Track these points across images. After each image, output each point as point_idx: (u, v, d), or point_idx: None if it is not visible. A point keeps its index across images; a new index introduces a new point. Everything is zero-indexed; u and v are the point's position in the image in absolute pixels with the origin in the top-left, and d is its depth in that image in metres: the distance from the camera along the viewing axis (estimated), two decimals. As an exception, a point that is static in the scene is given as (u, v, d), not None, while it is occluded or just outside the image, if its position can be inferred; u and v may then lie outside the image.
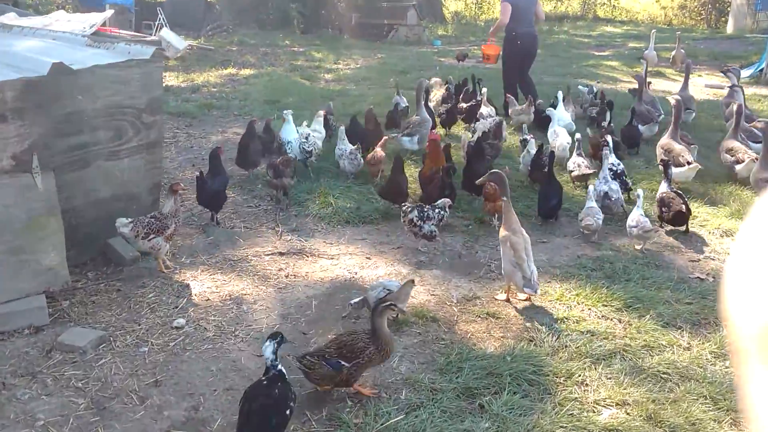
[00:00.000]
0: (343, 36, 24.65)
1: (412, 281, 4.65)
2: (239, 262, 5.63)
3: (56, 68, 4.18)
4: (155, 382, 3.96)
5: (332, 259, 5.78)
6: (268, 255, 5.81)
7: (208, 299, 5.00)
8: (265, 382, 3.41)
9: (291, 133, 7.81)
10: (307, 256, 5.81)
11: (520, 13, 9.96)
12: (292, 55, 19.20)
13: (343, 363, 3.70)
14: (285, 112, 8.23)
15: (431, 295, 5.14)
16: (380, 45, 22.43)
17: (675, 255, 6.01)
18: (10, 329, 4.44)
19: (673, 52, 15.78)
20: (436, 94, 10.82)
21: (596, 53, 19.92)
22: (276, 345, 3.47)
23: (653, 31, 17.06)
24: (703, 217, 6.81)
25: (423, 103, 8.68)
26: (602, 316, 4.84)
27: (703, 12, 32.97)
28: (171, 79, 13.91)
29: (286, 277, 5.41)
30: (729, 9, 29.93)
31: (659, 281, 5.35)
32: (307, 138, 7.65)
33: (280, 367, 3.46)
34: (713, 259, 5.95)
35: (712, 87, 14.47)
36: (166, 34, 18.19)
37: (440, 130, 9.39)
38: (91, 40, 4.74)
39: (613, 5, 35.64)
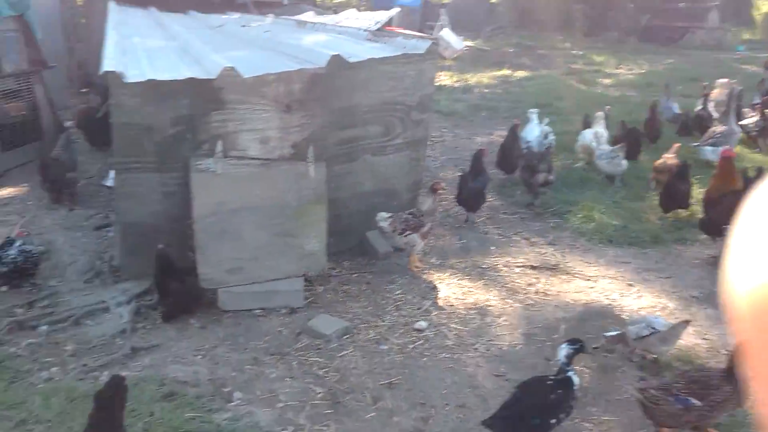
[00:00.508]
0: (629, 39, 23.09)
1: (687, 321, 3.99)
2: (488, 271, 5.42)
3: (334, 60, 4.33)
4: (389, 384, 3.92)
5: (589, 280, 5.28)
6: (519, 267, 5.50)
7: (452, 305, 4.86)
8: (549, 382, 3.35)
9: (532, 132, 7.58)
10: (561, 274, 5.38)
11: None
12: (570, 58, 18.47)
13: (693, 401, 3.25)
14: (530, 111, 8.01)
15: (702, 338, 4.40)
16: (671, 50, 20.55)
17: None
18: (270, 307, 4.76)
19: None
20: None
21: None
22: (572, 351, 3.38)
23: None
24: None
25: (733, 112, 7.83)
26: None
27: None
28: (444, 79, 14.21)
29: (536, 293, 5.06)
30: None
31: None
32: (546, 136, 7.38)
33: (571, 373, 3.35)
34: None
35: None
36: (446, 34, 18.71)
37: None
38: (372, 35, 4.88)
39: None
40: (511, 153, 7.26)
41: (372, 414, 3.64)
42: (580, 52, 19.65)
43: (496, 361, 4.16)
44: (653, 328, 3.89)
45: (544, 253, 5.78)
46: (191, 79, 4.23)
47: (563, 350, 3.38)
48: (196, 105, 4.69)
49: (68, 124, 8.08)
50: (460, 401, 3.77)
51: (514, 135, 7.38)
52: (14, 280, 4.87)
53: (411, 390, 3.87)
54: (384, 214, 5.23)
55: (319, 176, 5.05)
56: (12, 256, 4.77)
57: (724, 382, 3.26)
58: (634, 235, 6.02)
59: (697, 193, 6.43)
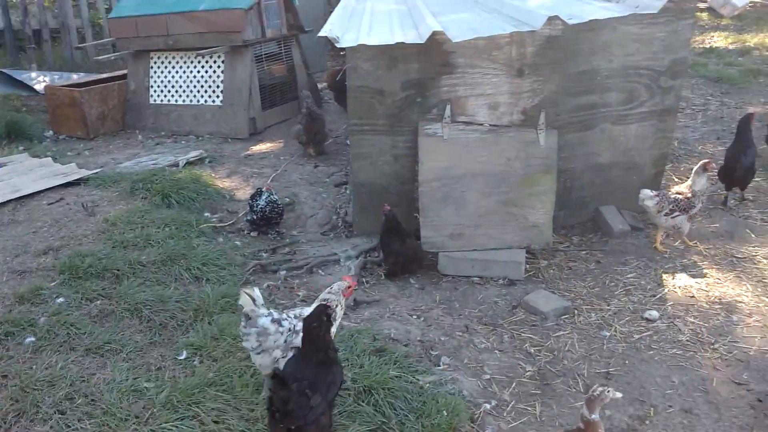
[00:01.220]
0: None
1: None
2: (743, 261, 4.70)
3: (550, 21, 3.98)
4: (606, 373, 3.60)
5: None
6: (784, 260, 4.69)
7: (693, 296, 4.30)
8: None
9: None
10: (843, 274, 4.47)
11: None
12: None
13: None
14: None
15: None
16: None
17: None
18: (488, 275, 4.66)
19: None
20: None
21: None
22: None
23: None
24: None
25: None
26: None
27: None
28: (717, 40, 12.58)
29: (802, 293, 4.27)
30: None
31: None
32: None
33: None
34: None
35: None
36: (727, -10, 16.53)
37: None
38: None
39: None
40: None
41: (582, 402, 3.37)
42: None
43: (738, 366, 3.60)
44: None
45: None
46: (421, 44, 4.21)
47: None
48: (426, 69, 4.68)
49: (321, 85, 8.69)
50: (687, 405, 3.32)
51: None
52: (262, 227, 5.40)
53: (630, 384, 3.51)
54: (649, 192, 4.77)
55: (550, 144, 4.77)
56: (261, 206, 5.28)
57: None
58: None
59: None
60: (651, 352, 3.76)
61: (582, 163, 5.12)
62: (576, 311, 4.21)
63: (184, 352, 3.72)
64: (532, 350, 3.84)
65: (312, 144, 6.92)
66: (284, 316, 3.17)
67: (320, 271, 4.88)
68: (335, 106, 8.58)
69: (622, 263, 4.79)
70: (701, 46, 12.18)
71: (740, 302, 4.21)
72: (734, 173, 5.47)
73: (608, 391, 2.66)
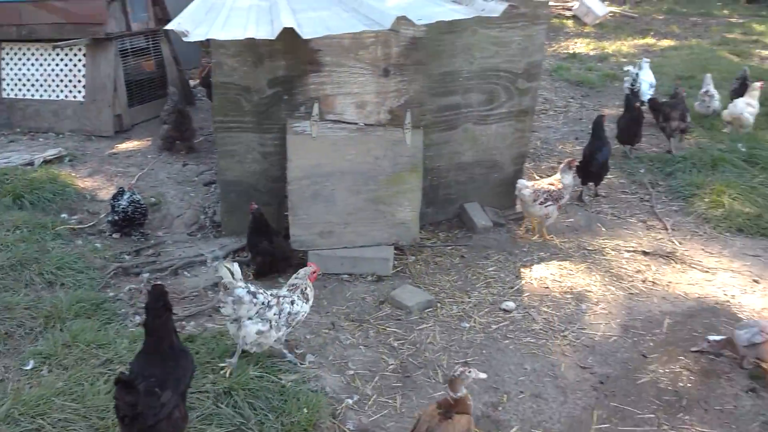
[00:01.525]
0: (801, 6, 20.64)
1: (810, 328, 3.48)
2: (594, 253, 5.03)
3: (398, 22, 4.08)
4: (464, 363, 3.73)
5: (707, 272, 4.75)
6: (629, 251, 5.06)
7: (547, 287, 4.56)
8: None
9: (646, 79, 8.10)
10: (676, 263, 4.89)
11: None
12: (726, 26, 16.79)
13: None
14: (644, 60, 8.55)
15: (836, 351, 3.81)
16: None
17: None
18: (357, 272, 4.71)
19: None
20: None
21: None
22: None
23: None
24: None
25: None
26: None
27: None
28: (580, 47, 13.41)
29: (643, 282, 4.63)
30: None
31: None
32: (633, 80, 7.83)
33: None
34: None
35: None
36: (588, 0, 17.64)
37: None
38: None
39: None
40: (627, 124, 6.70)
41: (440, 392, 3.47)
42: (740, 21, 17.84)
43: (584, 351, 3.85)
44: (768, 334, 3.41)
45: (660, 239, 5.28)
46: (290, 40, 4.18)
47: None
48: (293, 67, 4.66)
49: (195, 82, 8.45)
50: (537, 390, 3.52)
51: (630, 106, 6.90)
52: (125, 229, 5.17)
53: (485, 372, 3.65)
54: (525, 182, 5.04)
55: (416, 144, 4.89)
56: (123, 206, 5.05)
57: None
58: (771, 226, 5.36)
59: None
60: (506, 341, 3.94)
61: (447, 161, 5.29)
62: (439, 304, 4.34)
63: (31, 362, 3.51)
64: (396, 344, 3.92)
65: (180, 141, 6.72)
66: (261, 291, 3.47)
67: (186, 273, 4.74)
68: (208, 103, 8.36)
69: (485, 257, 4.99)
70: (566, 51, 12.94)
71: (589, 291, 4.50)
72: (590, 168, 5.86)
73: (469, 371, 2.80)
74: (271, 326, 3.41)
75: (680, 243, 5.21)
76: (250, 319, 3.37)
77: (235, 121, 4.80)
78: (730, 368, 3.64)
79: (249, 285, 3.45)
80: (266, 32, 3.85)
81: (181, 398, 2.74)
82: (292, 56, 4.63)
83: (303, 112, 4.78)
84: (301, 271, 3.71)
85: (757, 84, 7.44)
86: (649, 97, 7.86)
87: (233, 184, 5.03)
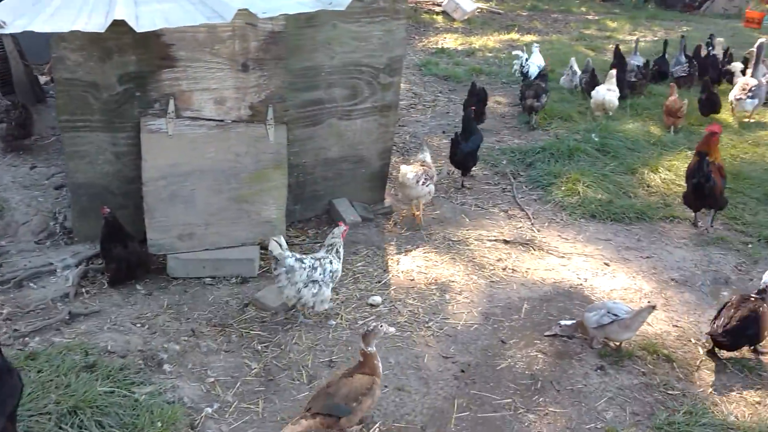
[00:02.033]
0: (648, 5, 22.29)
1: (652, 307, 3.72)
2: (458, 244, 5.16)
3: (240, 14, 3.98)
4: (330, 362, 3.71)
5: (563, 257, 5.01)
6: (491, 241, 5.24)
7: (413, 279, 4.63)
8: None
9: (534, 62, 9.03)
10: (534, 249, 5.11)
11: None
12: (584, 22, 17.83)
13: None
14: (534, 44, 9.75)
15: (673, 325, 4.13)
16: (689, 17, 19.83)
17: None
18: (221, 275, 4.56)
19: None
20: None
21: None
22: None
23: None
24: None
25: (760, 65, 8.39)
26: None
27: None
28: (448, 42, 13.76)
29: (504, 269, 4.80)
30: None
31: None
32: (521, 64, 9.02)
33: None
34: None
35: None
36: (456, -5, 18.14)
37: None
38: None
39: None
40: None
41: (305, 393, 3.43)
42: (596, 17, 19.01)
43: (446, 341, 3.94)
44: (615, 315, 3.62)
45: (520, 227, 5.50)
46: (140, 34, 3.93)
47: None
48: (145, 62, 4.42)
49: (44, 79, 7.86)
50: (400, 383, 3.56)
51: (473, 91, 7.76)
52: (-39, 240, 4.71)
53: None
54: (408, 167, 5.24)
55: (279, 140, 4.79)
56: (-44, 215, 4.60)
57: None
58: (619, 211, 5.71)
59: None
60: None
61: (313, 157, 5.23)
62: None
63: None
64: (260, 347, 3.83)
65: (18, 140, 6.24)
66: (304, 257, 3.99)
67: (32, 284, 4.39)
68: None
69: (353, 253, 4.98)
70: (435, 46, 13.22)
71: (453, 281, 4.61)
72: (455, 157, 6.06)
73: (381, 326, 3.12)
74: (320, 286, 3.91)
75: (539, 230, 5.45)
76: (305, 285, 3.87)
77: (82, 120, 4.49)
78: (581, 349, 3.85)
79: (294, 254, 3.95)
80: (97, 25, 3.59)
81: (9, 420, 2.52)
82: (143, 51, 4.38)
83: (158, 109, 4.55)
84: (336, 230, 4.14)
85: (613, 71, 8.19)
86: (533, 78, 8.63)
87: (84, 187, 4.71)
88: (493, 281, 4.64)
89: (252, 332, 3.96)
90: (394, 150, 7.13)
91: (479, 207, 5.91)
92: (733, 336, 3.60)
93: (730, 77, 9.48)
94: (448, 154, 6.18)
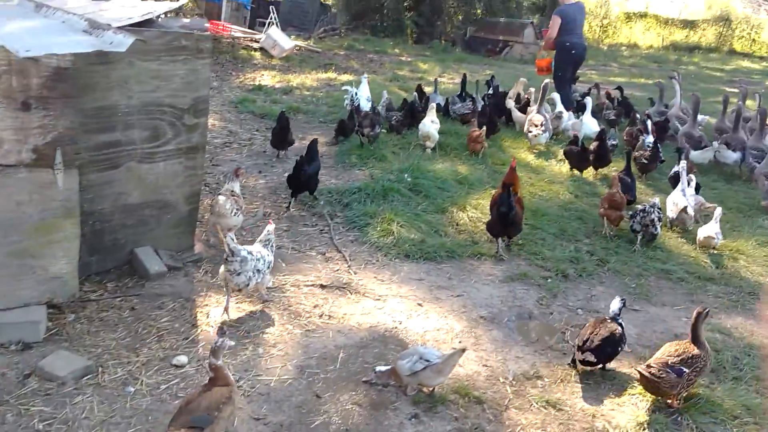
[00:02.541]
0: (456, 49, 23.92)
1: (462, 350, 3.78)
2: (273, 291, 4.97)
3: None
4: (222, 333, 3.36)
5: (378, 300, 5.00)
6: (308, 286, 5.11)
7: (225, 332, 4.35)
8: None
9: (363, 93, 9.95)
10: (351, 293, 5.06)
11: (570, 25, 10.67)
12: (398, 63, 18.66)
13: (684, 369, 3.76)
14: (363, 76, 10.58)
15: (483, 365, 4.25)
16: (492, 61, 21.55)
17: (803, 350, 4.80)
18: (-2, 342, 3.97)
19: None
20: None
21: (728, 89, 18.03)
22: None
23: None
24: None
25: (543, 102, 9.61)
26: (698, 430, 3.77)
27: None
28: (266, 79, 13.65)
29: (320, 316, 4.69)
30: None
31: (779, 385, 4.20)
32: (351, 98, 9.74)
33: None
34: None
35: None
36: (274, 32, 18.13)
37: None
38: (90, 26, 4.19)
39: (753, 39, 32.85)
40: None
41: (95, 478, 3.03)
42: (409, 59, 20.00)
43: (259, 400, 3.71)
44: (427, 361, 3.63)
45: (337, 270, 5.44)
46: None
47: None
48: None
49: None
50: (207, 455, 3.27)
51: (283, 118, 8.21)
52: None
53: (153, 443, 3.31)
54: (222, 197, 5.38)
55: (70, 186, 4.31)
56: None
57: (699, 349, 3.85)
58: (431, 250, 5.86)
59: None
60: (177, 402, 3.61)
61: (111, 204, 4.78)
62: (101, 368, 3.84)
63: None
64: (42, 426, 3.34)
65: None
66: (250, 248, 4.57)
67: None
68: None
69: (158, 307, 4.60)
70: (252, 83, 13.04)
71: (267, 333, 4.40)
72: (299, 178, 6.56)
73: (225, 341, 3.32)
74: (263, 274, 4.58)
75: (356, 273, 5.42)
76: (253, 273, 4.48)
77: None
78: (396, 397, 3.81)
79: (245, 247, 4.52)
80: None
81: None
82: None
83: None
84: (269, 227, 4.82)
85: (433, 104, 9.16)
86: (366, 110, 9.34)
87: None
88: (309, 330, 4.50)
89: (33, 408, 3.45)
90: (207, 191, 6.83)
91: (296, 250, 5.78)
92: (597, 353, 4.00)
93: (508, 114, 10.64)
94: (287, 178, 6.69)
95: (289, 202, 6.65)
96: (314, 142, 6.99)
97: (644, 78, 20.10)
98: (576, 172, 8.39)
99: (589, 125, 9.65)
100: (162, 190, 5.00)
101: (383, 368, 3.81)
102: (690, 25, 33.93)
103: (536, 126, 9.13)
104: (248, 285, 4.46)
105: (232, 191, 5.56)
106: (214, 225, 5.34)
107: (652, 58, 27.66)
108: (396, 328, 4.62)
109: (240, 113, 10.40)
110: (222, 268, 4.46)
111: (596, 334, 4.07)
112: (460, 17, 25.71)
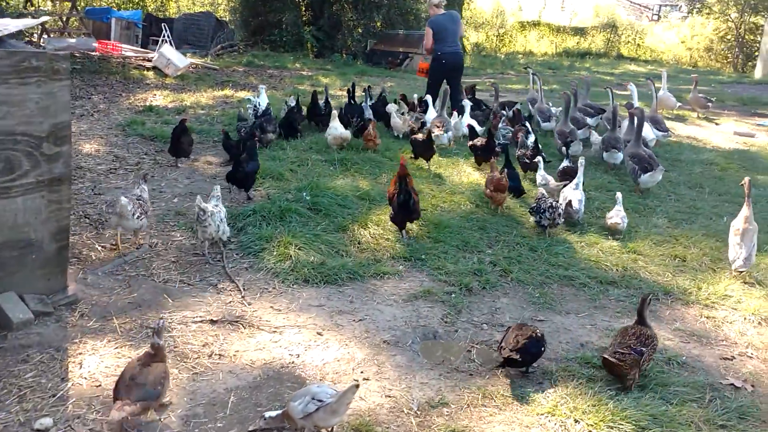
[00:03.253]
0: (357, 62, 23.85)
1: (356, 386, 3.48)
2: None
3: None
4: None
5: (274, 332, 4.66)
6: (196, 322, 4.70)
7: (99, 385, 3.89)
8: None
9: (263, 101, 10.38)
10: (244, 327, 4.69)
11: (442, 34, 11.07)
12: (299, 78, 18.35)
13: (643, 349, 4.09)
14: (260, 86, 11.17)
15: (386, 396, 3.98)
16: (393, 73, 21.59)
17: (702, 349, 4.83)
18: None
19: (690, 95, 14.75)
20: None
21: (617, 92, 18.78)
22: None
23: (663, 72, 16.05)
24: (737, 297, 5.62)
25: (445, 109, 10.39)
26: (607, 444, 3.66)
27: (729, 55, 31.90)
28: (158, 99, 13.01)
29: (210, 356, 4.29)
30: (757, 54, 28.87)
31: (682, 390, 4.16)
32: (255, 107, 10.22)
33: None
34: (751, 357, 4.76)
35: (741, 135, 13.28)
36: (167, 51, 17.46)
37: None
38: None
39: (638, 44, 34.67)
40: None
41: None
42: (310, 73, 19.74)
43: (136, 463, 3.29)
44: (319, 401, 3.33)
45: (230, 303, 5.06)
46: None
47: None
48: None
49: None
50: None
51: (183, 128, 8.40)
52: None
53: None
54: (125, 198, 5.51)
55: None
56: None
57: (650, 330, 4.27)
58: (332, 273, 5.57)
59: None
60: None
61: (-40, 247, 4.23)
62: (-55, 443, 3.32)
63: None
64: None
65: None
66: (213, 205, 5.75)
67: None
68: None
69: (23, 361, 4.08)
70: (143, 104, 12.38)
71: (149, 381, 3.97)
72: (237, 174, 6.99)
73: (163, 321, 3.76)
74: (225, 224, 5.80)
75: (250, 304, 5.06)
76: (220, 222, 5.73)
77: None
78: (292, 441, 3.49)
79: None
80: None
81: None
82: None
83: None
84: (215, 189, 5.90)
85: (335, 112, 9.43)
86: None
87: None
88: (196, 373, 4.10)
89: None
90: (87, 223, 6.30)
91: (185, 283, 5.34)
92: (523, 353, 4.10)
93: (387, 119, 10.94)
94: (226, 174, 7.20)
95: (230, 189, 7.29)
96: (253, 142, 7.42)
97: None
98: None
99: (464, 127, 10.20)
100: (22, 228, 4.46)
101: (273, 413, 3.47)
102: (580, 32, 35.44)
103: (438, 127, 9.54)
104: (218, 233, 5.67)
105: (138, 196, 5.82)
106: (116, 226, 5.66)
107: (547, 64, 28.60)
108: (293, 363, 4.29)
109: (128, 137, 9.79)
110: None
111: (520, 336, 4.19)
112: (360, 30, 25.65)
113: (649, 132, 10.08)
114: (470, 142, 9.18)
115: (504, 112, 11.43)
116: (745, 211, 6.00)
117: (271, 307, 5.05)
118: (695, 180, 9.47)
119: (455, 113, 10.52)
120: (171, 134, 8.51)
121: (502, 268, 5.91)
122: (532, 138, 9.10)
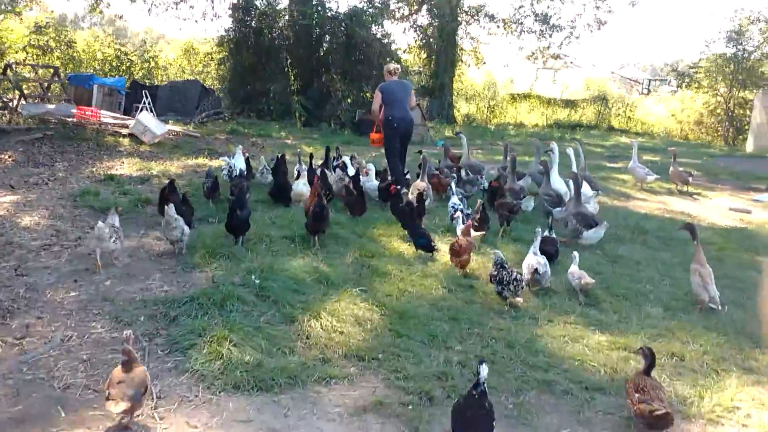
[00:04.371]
0: (345, 131, 23.48)
1: None
2: (34, 459, 3.65)
3: None
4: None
5: (181, 460, 3.78)
6: (85, 446, 3.83)
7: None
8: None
9: (239, 162, 10.81)
10: (144, 454, 3.82)
11: (390, 98, 11.10)
12: (281, 147, 17.82)
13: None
14: (238, 146, 11.77)
15: None
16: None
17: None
18: None
19: (670, 169, 14.16)
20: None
21: (608, 164, 18.30)
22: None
23: (634, 142, 15.69)
24: (746, 410, 4.77)
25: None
26: None
27: (719, 129, 31.80)
28: (124, 167, 12.37)
29: (89, 497, 3.41)
30: (747, 127, 28.75)
31: None
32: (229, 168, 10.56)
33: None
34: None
35: (737, 211, 12.59)
36: (144, 118, 16.97)
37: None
38: None
39: (628, 117, 34.66)
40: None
41: None
42: (294, 142, 19.28)
43: None
44: None
45: (137, 415, 4.18)
46: None
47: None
48: None
49: None
50: None
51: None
52: None
53: None
54: (102, 223, 6.53)
55: None
56: None
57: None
58: (268, 377, 4.70)
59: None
60: None
61: None
62: None
63: None
64: None
65: None
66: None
67: None
68: None
69: None
70: (106, 173, 11.73)
71: None
72: (232, 222, 7.45)
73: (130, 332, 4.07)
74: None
75: (162, 419, 4.18)
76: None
77: None
78: None
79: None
80: None
81: None
82: None
83: None
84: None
85: (303, 168, 10.26)
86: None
87: None
88: None
89: None
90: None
91: (89, 388, 4.48)
92: None
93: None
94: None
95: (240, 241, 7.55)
96: (242, 189, 8.09)
97: (528, 156, 20.23)
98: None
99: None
100: None
101: None
102: (571, 104, 35.44)
103: (419, 190, 9.66)
104: (182, 235, 6.97)
105: (113, 224, 6.74)
106: (95, 248, 6.54)
107: (537, 135, 28.30)
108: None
109: (76, 208, 9.05)
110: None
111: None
112: (349, 100, 25.43)
113: (587, 189, 10.36)
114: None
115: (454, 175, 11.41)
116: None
117: (187, 423, 4.17)
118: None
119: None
120: (159, 195, 8.77)
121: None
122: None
